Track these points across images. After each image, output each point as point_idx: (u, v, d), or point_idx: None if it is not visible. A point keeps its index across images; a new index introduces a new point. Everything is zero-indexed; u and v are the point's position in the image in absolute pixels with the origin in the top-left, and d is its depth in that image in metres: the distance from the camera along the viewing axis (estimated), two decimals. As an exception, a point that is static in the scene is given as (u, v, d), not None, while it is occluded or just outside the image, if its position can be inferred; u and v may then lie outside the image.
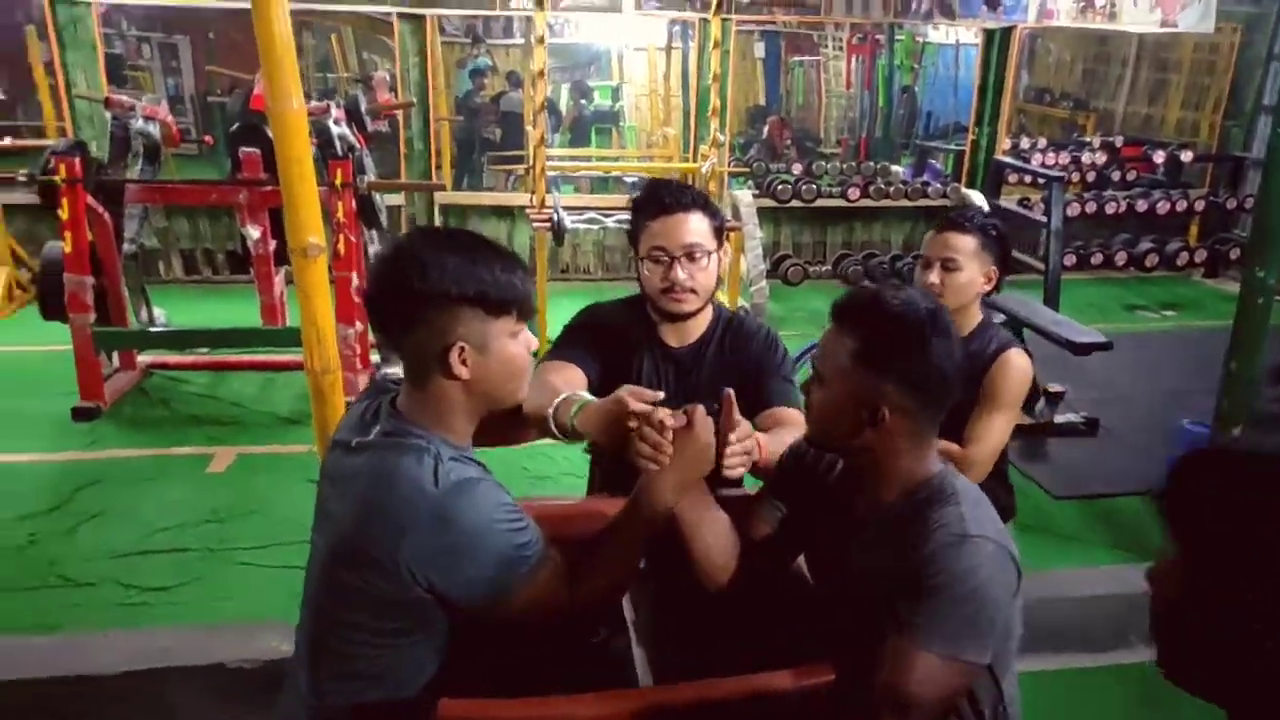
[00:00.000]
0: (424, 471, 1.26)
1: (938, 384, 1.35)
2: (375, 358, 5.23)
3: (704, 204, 1.91)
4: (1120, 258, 7.43)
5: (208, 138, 6.46)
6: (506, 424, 1.79)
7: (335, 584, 1.33)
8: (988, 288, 2.28)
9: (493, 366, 1.34)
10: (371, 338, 5.16)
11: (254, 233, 5.13)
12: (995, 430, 2.12)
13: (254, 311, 5.39)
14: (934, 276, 2.24)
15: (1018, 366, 2.17)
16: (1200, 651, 0.84)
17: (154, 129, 5.10)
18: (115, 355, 5.04)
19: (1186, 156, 7.95)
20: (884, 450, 1.37)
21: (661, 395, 1.40)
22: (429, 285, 1.28)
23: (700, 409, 1.38)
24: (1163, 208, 7.53)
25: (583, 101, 10.70)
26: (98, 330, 4.61)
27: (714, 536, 1.49)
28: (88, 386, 4.63)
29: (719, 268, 1.95)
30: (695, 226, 1.87)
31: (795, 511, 1.57)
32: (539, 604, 1.33)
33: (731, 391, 1.44)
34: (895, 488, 1.39)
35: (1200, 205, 7.70)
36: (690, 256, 1.85)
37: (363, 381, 4.86)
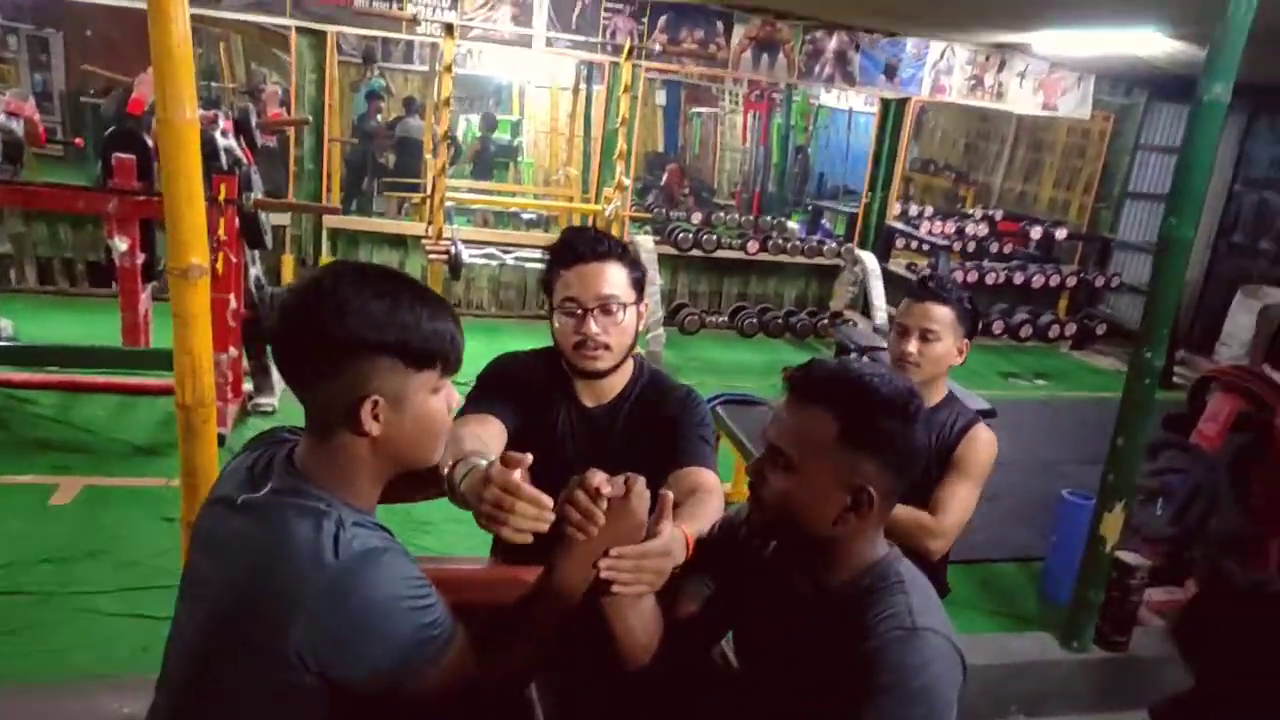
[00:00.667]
0: (323, 539, 1.11)
1: (917, 463, 1.31)
2: (248, 385, 4.92)
3: (622, 254, 1.81)
4: (997, 326, 7.74)
5: (78, 140, 6.01)
6: (415, 482, 1.66)
7: (207, 668, 1.15)
8: (959, 360, 2.28)
9: (407, 424, 1.20)
10: (245, 364, 4.86)
11: (122, 245, 4.74)
12: (964, 500, 2.12)
13: (114, 329, 4.95)
14: (911, 346, 2.22)
15: (986, 440, 2.20)
16: None
17: (17, 126, 4.71)
18: (-49, 370, 4.57)
19: (1060, 234, 8.39)
20: (847, 535, 1.29)
21: (529, 459, 1.26)
22: (346, 330, 1.14)
23: (641, 480, 1.27)
24: (1037, 281, 7.91)
25: (488, 135, 10.55)
26: (-69, 342, 4.17)
27: (636, 614, 1.37)
28: (-84, 402, 4.17)
29: (637, 323, 1.85)
30: (612, 277, 1.77)
31: (723, 588, 1.47)
32: (445, 686, 1.19)
33: (668, 494, 1.33)
34: (843, 573, 1.32)
35: (1071, 281, 8.12)
36: (605, 309, 1.76)
37: (232, 413, 4.55)
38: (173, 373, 2.29)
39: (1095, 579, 3.27)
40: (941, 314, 2.23)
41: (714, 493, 1.70)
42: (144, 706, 1.31)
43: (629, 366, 1.90)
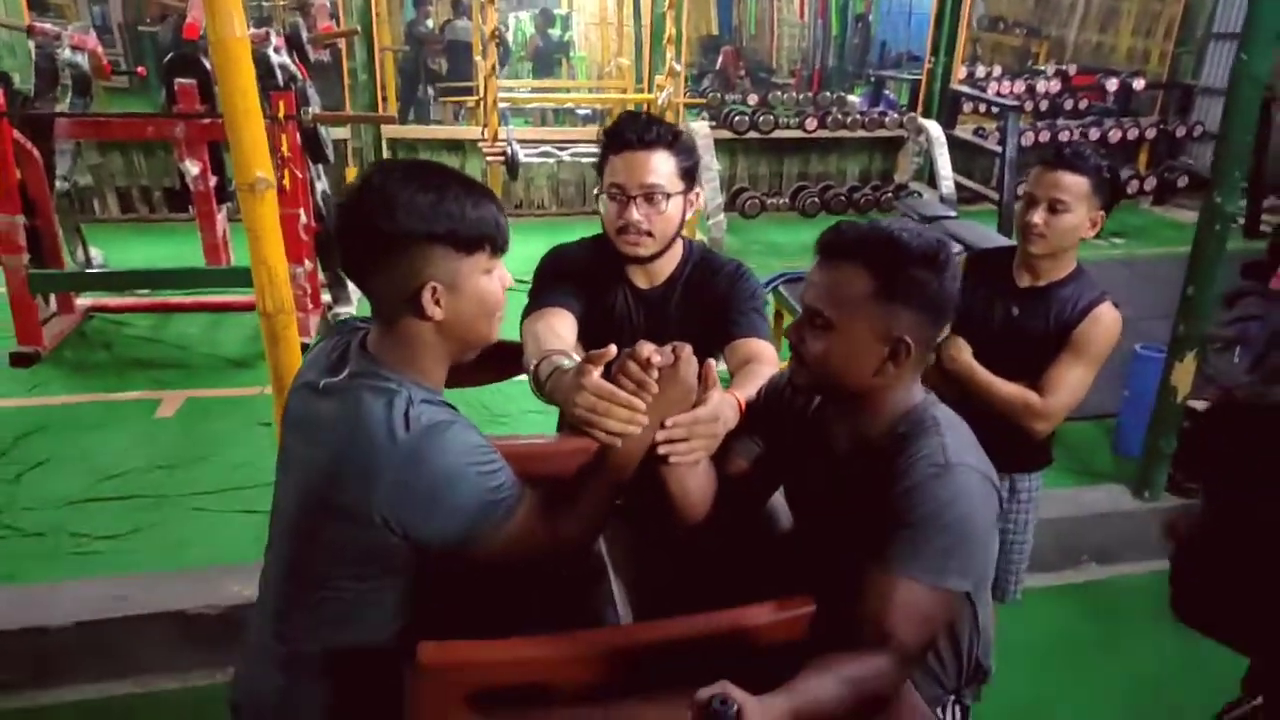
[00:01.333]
0: (395, 415, 1.21)
1: (951, 310, 1.33)
2: (326, 297, 5.10)
3: (672, 142, 1.80)
4: (1072, 186, 7.48)
5: (141, 69, 6.13)
6: (491, 364, 1.76)
7: (304, 532, 1.29)
8: (1091, 233, 2.13)
9: (466, 305, 1.28)
10: (321, 277, 5.04)
11: (193, 169, 4.91)
12: (1077, 383, 2.04)
13: (196, 251, 5.18)
14: (1038, 217, 2.08)
15: (1110, 321, 2.08)
16: (1219, 596, 0.84)
17: (82, 60, 4.84)
18: (53, 298, 4.85)
19: (1138, 85, 7.99)
20: (886, 386, 1.34)
21: (614, 351, 1.31)
22: (397, 225, 1.21)
23: (688, 348, 1.33)
24: (1114, 136, 7.58)
25: (547, 30, 10.39)
26: (33, 273, 4.42)
27: (691, 476, 1.46)
28: (25, 331, 4.45)
29: (685, 211, 1.86)
30: (658, 166, 1.77)
31: (772, 447, 1.54)
32: (517, 545, 1.30)
33: (712, 362, 1.37)
34: (882, 421, 1.37)
35: (1151, 133, 7.76)
36: (648, 197, 1.77)
37: (314, 323, 4.74)
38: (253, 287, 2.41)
39: (1167, 428, 3.26)
40: (1074, 183, 2.06)
41: (767, 362, 1.75)
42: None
43: (678, 248, 1.92)
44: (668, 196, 1.78)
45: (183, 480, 3.50)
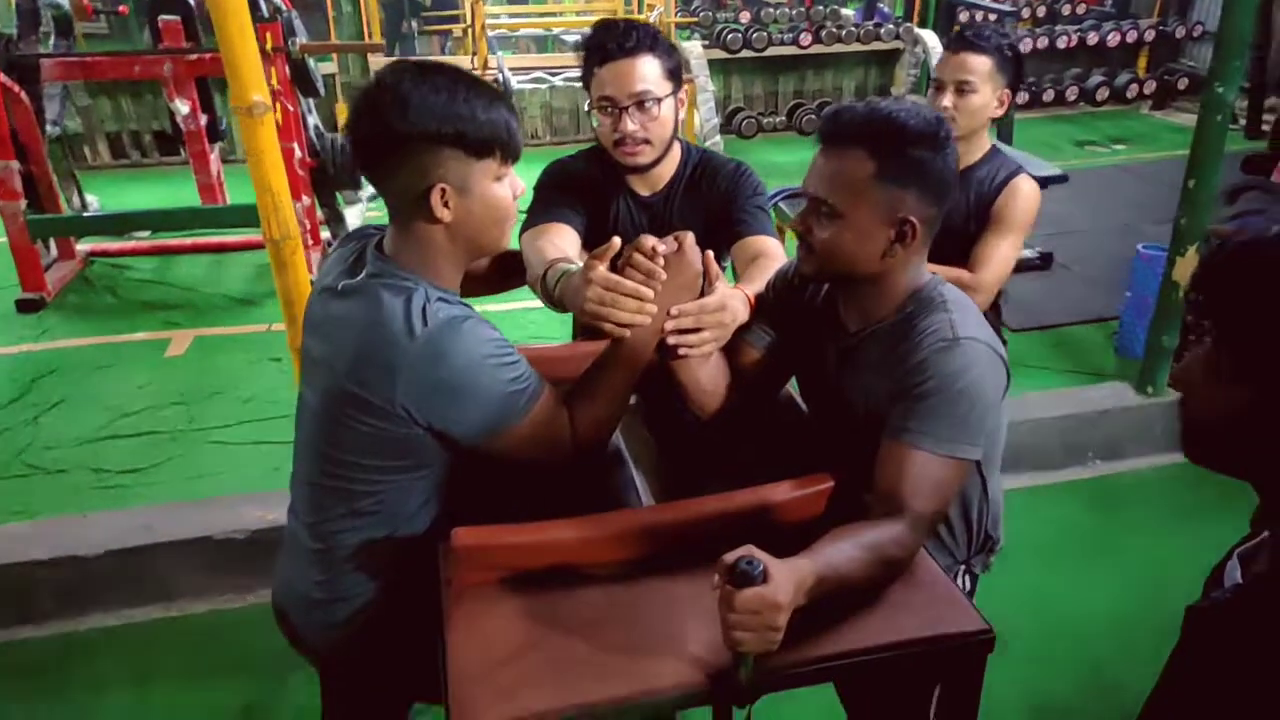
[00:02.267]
0: (413, 311, 1.24)
1: (952, 186, 1.34)
2: (325, 234, 5.09)
3: (653, 44, 1.78)
4: (1071, 93, 7.40)
5: (122, 8, 6.02)
6: (498, 275, 1.78)
7: (331, 427, 1.32)
8: (999, 112, 2.17)
9: (475, 209, 1.29)
10: (319, 213, 5.02)
11: (183, 107, 4.87)
12: (1004, 253, 2.08)
13: (191, 193, 5.16)
14: (947, 100, 2.12)
15: (1027, 191, 2.11)
16: (1227, 433, 0.87)
17: (64, 0, 4.76)
18: (53, 244, 4.85)
19: (1136, -15, 7.84)
20: (894, 267, 1.36)
21: (618, 244, 1.33)
22: (409, 124, 1.22)
23: (690, 235, 1.35)
24: (1113, 39, 7.47)
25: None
26: (32, 218, 4.41)
27: (701, 364, 1.48)
28: (29, 277, 4.47)
29: (678, 111, 1.85)
30: (645, 72, 1.76)
31: (783, 335, 1.56)
32: (540, 435, 1.33)
33: (711, 253, 1.39)
34: (891, 303, 1.39)
35: (1150, 35, 7.64)
36: (640, 105, 1.76)
37: (315, 259, 4.73)
38: (255, 228, 2.41)
39: (1169, 324, 3.29)
40: (977, 64, 2.11)
41: (774, 257, 1.76)
42: (283, 513, 1.50)
43: (676, 151, 1.92)
44: (659, 101, 1.78)
45: (197, 415, 3.55)
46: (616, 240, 1.34)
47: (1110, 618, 2.71)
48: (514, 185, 1.34)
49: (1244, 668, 0.84)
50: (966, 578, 1.62)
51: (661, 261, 1.32)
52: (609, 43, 1.76)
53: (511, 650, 1.16)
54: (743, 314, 1.49)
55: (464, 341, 1.25)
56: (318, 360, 1.34)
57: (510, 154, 1.31)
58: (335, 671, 1.53)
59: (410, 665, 1.41)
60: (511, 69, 5.90)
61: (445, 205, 1.27)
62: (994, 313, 2.32)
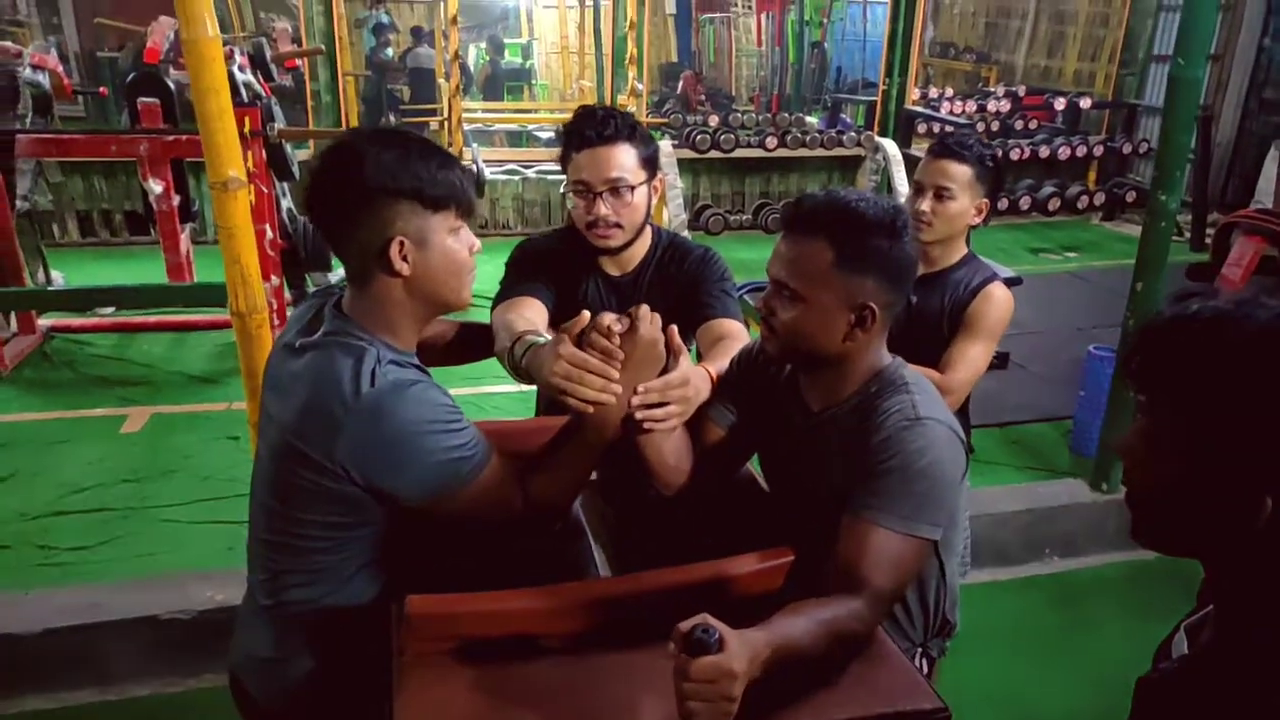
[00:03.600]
0: (362, 371, 1.25)
1: (911, 273, 1.39)
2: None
3: (631, 133, 1.84)
4: (1024, 202, 7.69)
5: (102, 89, 6.11)
6: (467, 344, 1.80)
7: (279, 482, 1.32)
8: (977, 220, 2.20)
9: (434, 262, 1.31)
10: (288, 294, 5.02)
11: (157, 187, 4.89)
12: (975, 357, 2.09)
13: (158, 272, 5.13)
14: (926, 204, 2.15)
15: (1001, 298, 2.14)
16: (1168, 510, 0.89)
17: (43, 79, 4.84)
18: (13, 319, 4.79)
19: (1085, 103, 8.25)
20: (856, 350, 1.39)
21: (587, 317, 1.35)
22: (366, 179, 1.26)
23: (644, 307, 1.37)
24: (1063, 153, 7.81)
25: (496, 58, 10.51)
26: (-8, 291, 4.38)
27: (666, 440, 1.50)
28: (-16, 350, 4.41)
29: (651, 198, 1.91)
30: (620, 160, 1.81)
31: (746, 414, 1.58)
32: (485, 503, 1.33)
33: (675, 328, 1.41)
34: (853, 383, 1.42)
35: (1098, 150, 8.01)
36: (614, 191, 1.81)
37: (281, 338, 4.72)
38: (220, 307, 2.41)
39: (1120, 423, 3.36)
40: (958, 171, 2.14)
41: (738, 339, 1.80)
42: (233, 593, 1.48)
43: (647, 234, 1.97)
44: (633, 188, 1.82)
45: (151, 493, 3.47)
46: (586, 314, 1.36)
47: (1069, 715, 2.70)
48: (470, 240, 1.36)
49: None
50: (924, 660, 1.62)
51: (618, 340, 1.34)
52: (588, 129, 1.82)
53: (463, 721, 1.14)
54: (705, 390, 1.52)
55: (408, 406, 1.26)
56: (272, 416, 1.35)
57: (465, 209, 1.34)
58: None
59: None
60: (486, 161, 6.05)
61: (404, 259, 1.29)
62: (962, 414, 2.35)
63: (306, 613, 1.36)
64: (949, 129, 7.64)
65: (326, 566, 1.34)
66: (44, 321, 4.96)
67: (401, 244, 1.28)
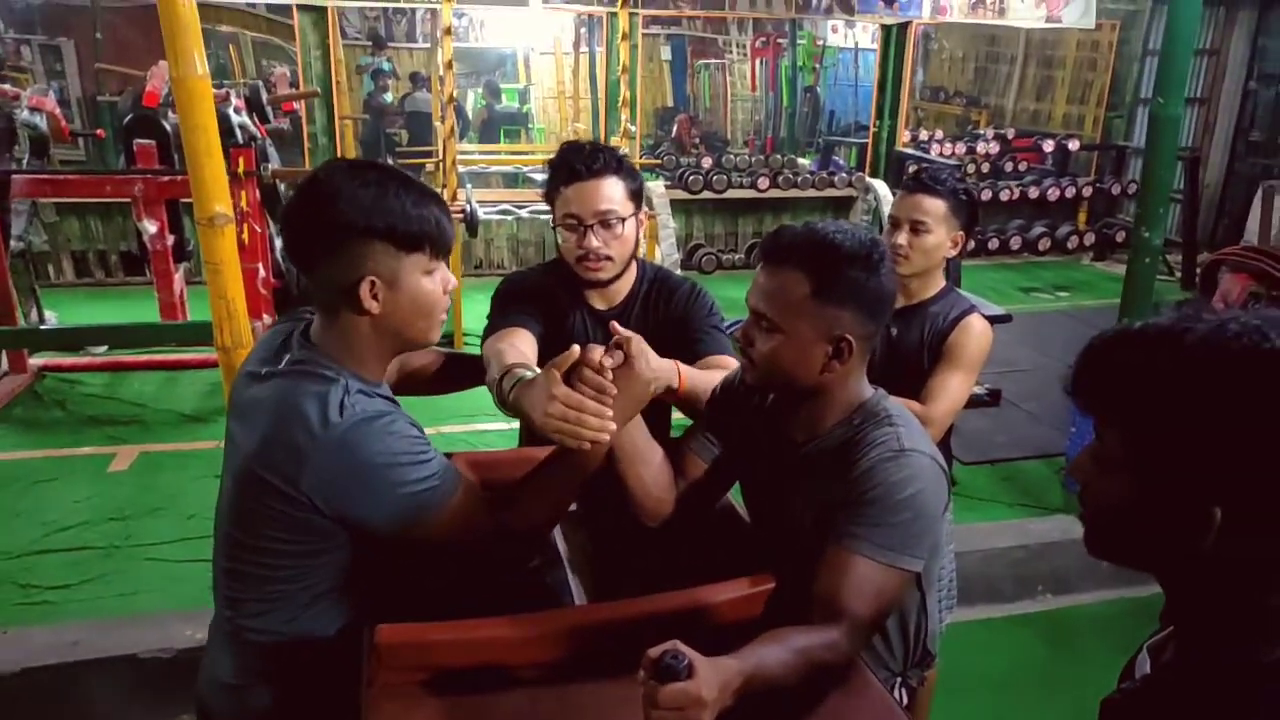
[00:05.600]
0: (330, 402, 1.24)
1: (888, 305, 1.39)
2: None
3: (618, 167, 1.85)
4: (1015, 242, 7.75)
5: (99, 131, 6.17)
6: (445, 375, 1.79)
7: (243, 507, 1.31)
8: (953, 253, 2.21)
9: (403, 303, 1.30)
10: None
11: (151, 227, 4.93)
12: (955, 388, 2.09)
13: (152, 311, 5.16)
14: (902, 238, 2.16)
15: (979, 329, 2.15)
16: (1124, 527, 0.88)
17: (41, 121, 4.89)
18: (4, 357, 4.79)
19: (1073, 145, 8.34)
20: (835, 381, 1.39)
21: (577, 352, 1.34)
22: (339, 216, 1.25)
23: (637, 338, 1.38)
24: (1053, 194, 7.89)
25: (493, 103, 10.64)
26: (-15, 330, 4.38)
27: (648, 468, 1.49)
28: (-26, 389, 4.40)
29: (638, 230, 1.92)
30: (608, 193, 1.83)
31: (728, 444, 1.58)
32: (455, 529, 1.32)
33: (636, 335, 1.41)
34: (835, 415, 1.41)
35: (1088, 191, 8.09)
36: (604, 224, 1.82)
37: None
38: (210, 347, 2.42)
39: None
40: (932, 205, 2.16)
41: (729, 369, 1.80)
42: None
43: (633, 268, 1.98)
44: (623, 220, 1.84)
45: (136, 531, 3.45)
46: (576, 348, 1.35)
47: (1063, 753, 2.66)
48: (443, 280, 1.35)
49: None
50: (903, 690, 1.60)
51: (610, 376, 1.34)
52: (576, 163, 1.82)
53: (431, 751, 1.12)
54: (667, 375, 1.51)
55: (375, 439, 1.25)
56: (236, 444, 1.34)
57: (440, 249, 1.33)
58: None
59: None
60: (480, 202, 6.08)
61: (374, 298, 1.28)
62: (944, 446, 2.34)
63: (265, 641, 1.34)
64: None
65: (284, 595, 1.33)
66: (35, 360, 4.96)
67: (373, 284, 1.27)
